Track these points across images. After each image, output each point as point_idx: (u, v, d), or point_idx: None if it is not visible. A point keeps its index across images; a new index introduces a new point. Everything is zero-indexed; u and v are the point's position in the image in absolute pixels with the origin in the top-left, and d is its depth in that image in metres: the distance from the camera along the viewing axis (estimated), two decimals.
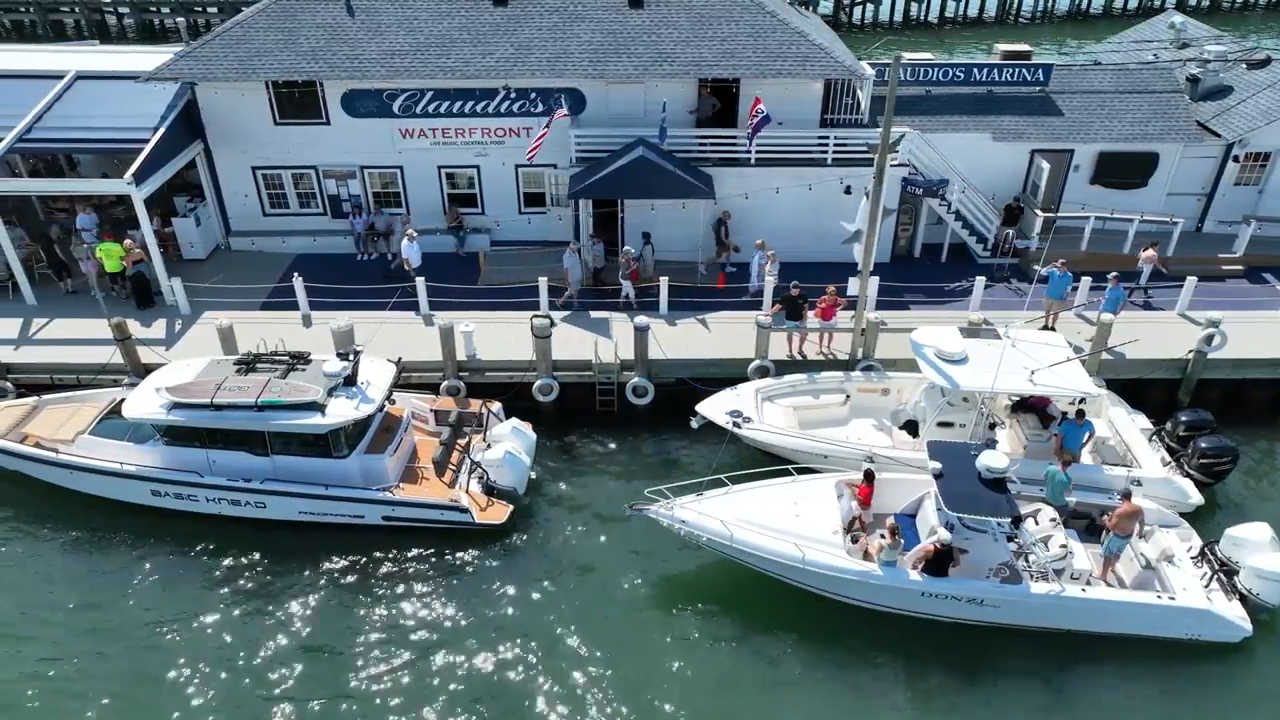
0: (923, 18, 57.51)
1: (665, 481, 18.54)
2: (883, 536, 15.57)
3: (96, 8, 51.93)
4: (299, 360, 17.88)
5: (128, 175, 20.60)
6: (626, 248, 21.90)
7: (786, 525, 15.82)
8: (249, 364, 17.74)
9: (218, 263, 24.22)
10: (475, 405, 19.54)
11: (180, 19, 50.95)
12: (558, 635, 15.75)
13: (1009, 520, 14.84)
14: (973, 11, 58.10)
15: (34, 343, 20.82)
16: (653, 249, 23.16)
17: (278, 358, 17.92)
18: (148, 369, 20.07)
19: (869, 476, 16.58)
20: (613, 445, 20.11)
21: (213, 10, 52.65)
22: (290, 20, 22.93)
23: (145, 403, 17.11)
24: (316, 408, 16.74)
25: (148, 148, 21.29)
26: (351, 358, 17.39)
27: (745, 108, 23.08)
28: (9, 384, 19.96)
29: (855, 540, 15.74)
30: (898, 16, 57.32)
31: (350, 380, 17.35)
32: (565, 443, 20.07)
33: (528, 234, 24.79)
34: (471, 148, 23.69)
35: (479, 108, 23.02)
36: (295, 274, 21.48)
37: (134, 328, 21.25)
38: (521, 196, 24.47)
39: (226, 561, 17.11)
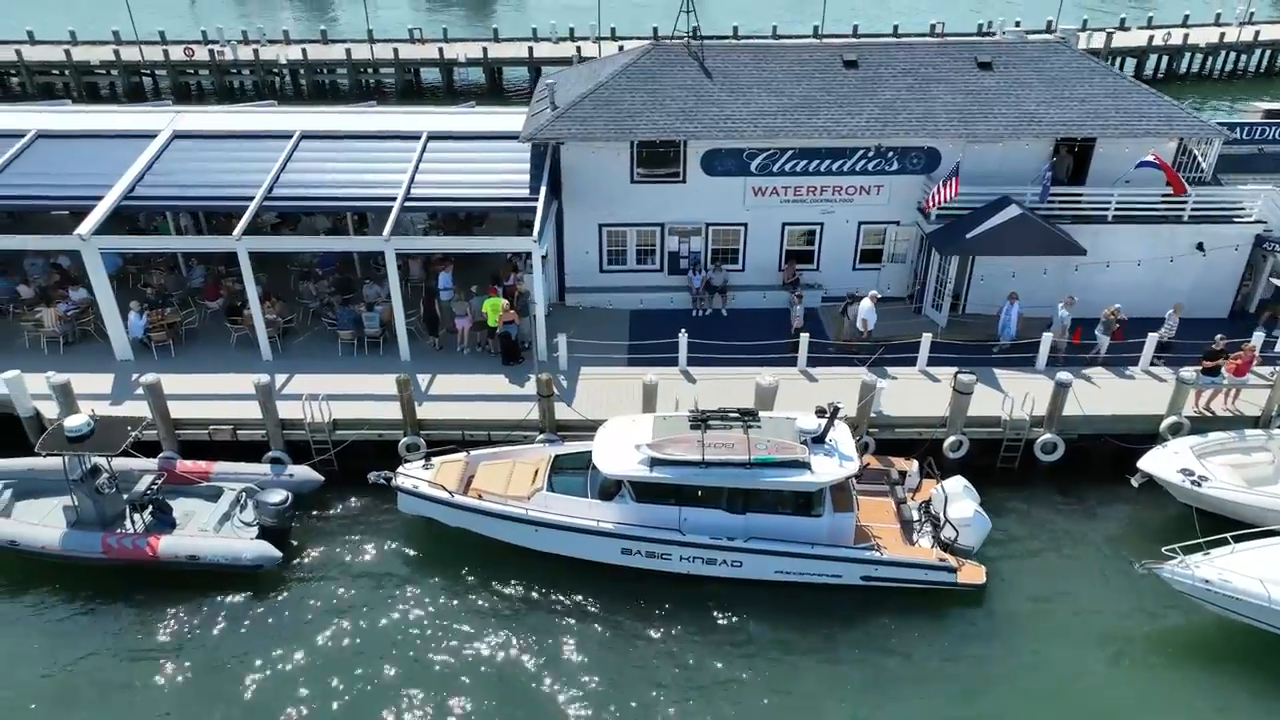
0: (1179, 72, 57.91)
1: (1100, 536, 18.77)
2: None
3: (86, 69, 52.79)
4: (749, 417, 17.83)
5: (535, 233, 20.86)
6: (1115, 305, 21.88)
7: None
8: (702, 421, 17.70)
9: (559, 319, 24.31)
10: (901, 462, 19.40)
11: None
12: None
13: None
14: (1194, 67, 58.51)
15: (430, 399, 20.81)
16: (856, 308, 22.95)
17: (729, 415, 17.90)
18: (559, 426, 20.14)
19: None
20: (1026, 503, 19.82)
21: (204, 73, 53.69)
22: (652, 82, 23.43)
23: (623, 459, 17.00)
24: (804, 465, 16.66)
25: (540, 205, 21.63)
26: (829, 414, 17.32)
27: (1099, 166, 23.40)
28: (422, 440, 19.98)
29: None
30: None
31: (819, 438, 17.31)
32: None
33: (860, 289, 24.82)
34: (819, 205, 23.94)
35: (835, 166, 23.33)
36: (682, 330, 21.54)
37: (504, 384, 21.50)
38: (859, 253, 24.69)
39: (697, 622, 16.88)
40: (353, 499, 19.71)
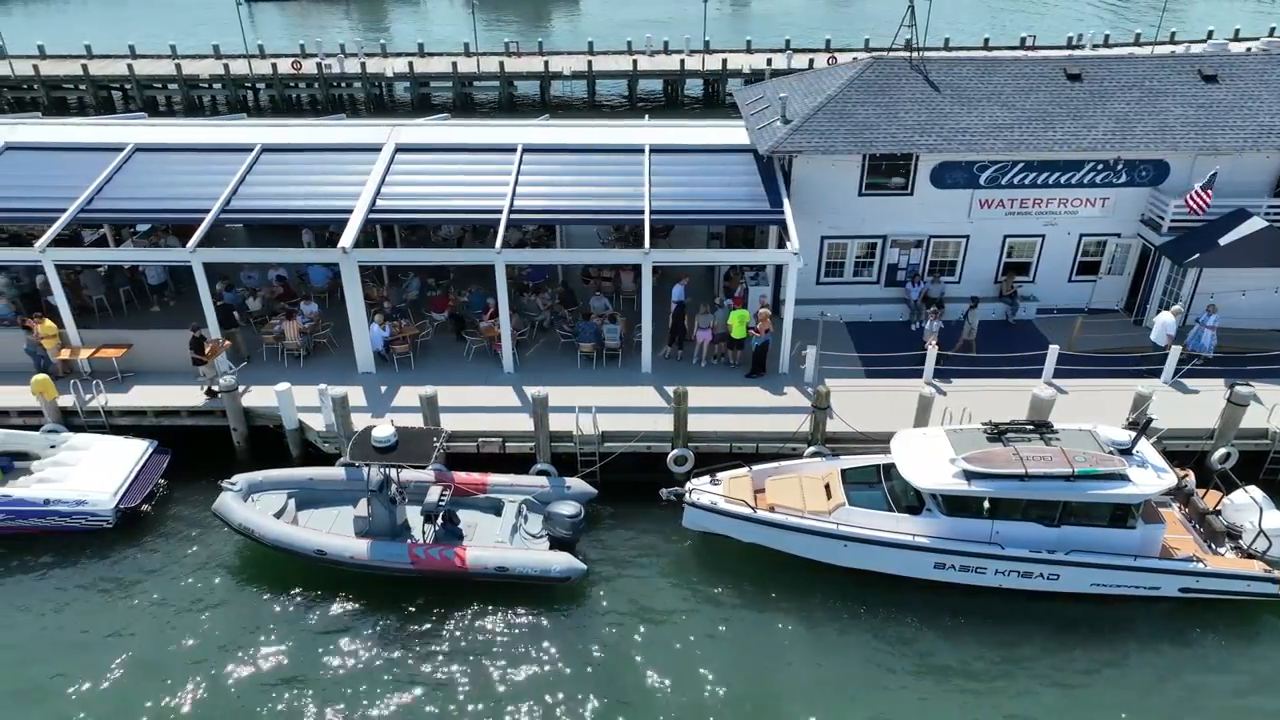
0: None
1: None
2: None
3: (194, 83, 53.24)
4: (1045, 429, 17.82)
5: (793, 246, 20.91)
6: None
7: None
8: (1000, 433, 17.72)
9: (776, 330, 24.34)
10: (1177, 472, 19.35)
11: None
12: None
13: None
14: None
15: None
16: (978, 313, 23.19)
17: (1024, 427, 17.89)
18: (827, 439, 20.12)
19: None
20: None
21: (302, 85, 54.04)
22: (882, 95, 23.53)
23: (937, 473, 16.95)
24: (1124, 477, 16.60)
25: (788, 218, 21.69)
26: (1141, 425, 17.30)
27: None
28: (690, 452, 19.96)
29: None
30: None
31: (1127, 449, 17.27)
32: None
33: (1072, 301, 25.01)
34: (1043, 217, 23.97)
35: (1064, 178, 23.38)
36: (928, 342, 21.58)
37: (748, 395, 21.49)
38: (1076, 265, 24.70)
39: (1023, 637, 16.80)
40: (620, 512, 19.65)
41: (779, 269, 24.52)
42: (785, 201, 22.13)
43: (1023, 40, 58.60)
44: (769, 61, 52.84)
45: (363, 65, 52.30)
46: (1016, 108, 23.26)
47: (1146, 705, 15.61)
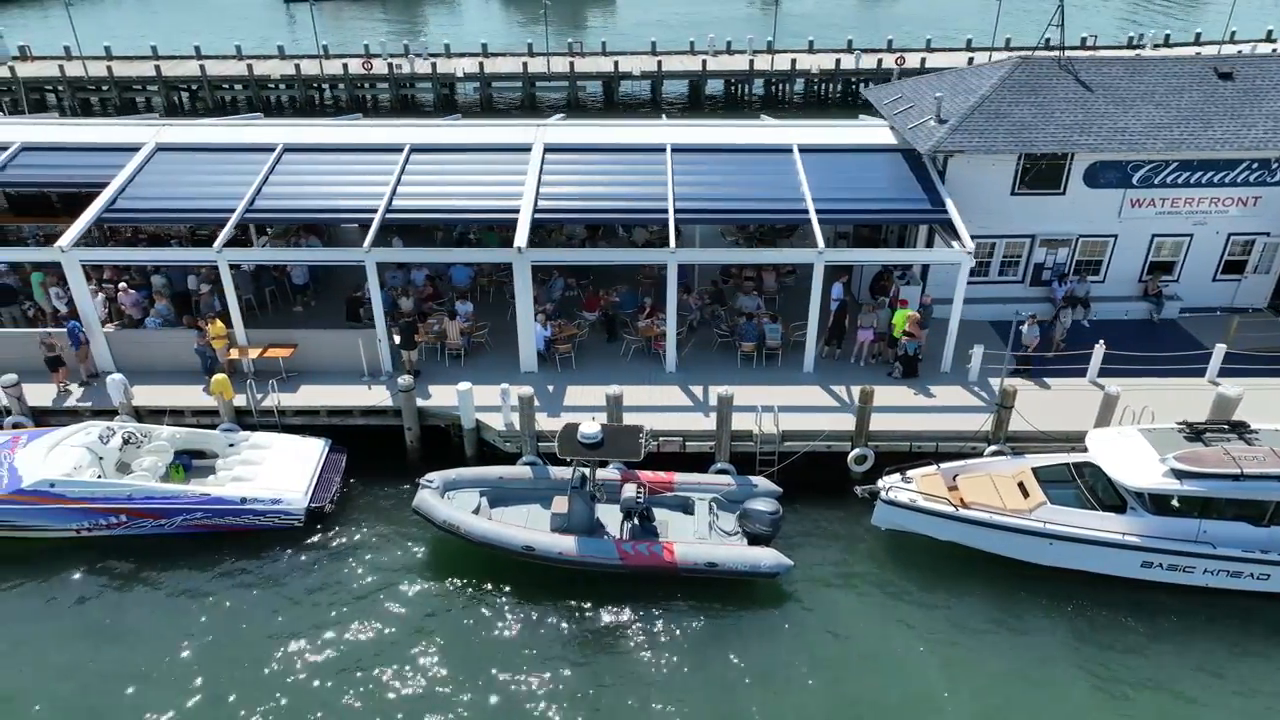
0: None
1: None
2: None
3: (264, 84, 52.94)
4: (1243, 429, 17.86)
5: (968, 244, 20.93)
6: None
7: None
8: (1198, 433, 17.77)
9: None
10: None
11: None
12: None
13: None
14: None
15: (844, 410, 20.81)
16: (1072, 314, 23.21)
17: (1222, 427, 17.92)
18: (1009, 438, 20.14)
19: None
20: None
21: (367, 86, 53.70)
22: (1034, 95, 23.54)
23: (1147, 472, 16.99)
24: None
25: (953, 216, 21.72)
26: None
27: None
28: (870, 452, 20.00)
29: None
30: None
31: None
32: None
33: (1215, 300, 25.05)
34: (1193, 216, 23.98)
35: (1217, 178, 23.39)
36: (1100, 342, 21.58)
37: (910, 395, 21.53)
38: (1222, 264, 24.71)
39: (1233, 639, 16.82)
40: (799, 510, 19.64)
41: (925, 269, 24.58)
42: (947, 200, 22.18)
43: (1083, 40, 58.54)
44: (838, 62, 52.85)
45: (433, 65, 52.32)
46: (1171, 107, 23.27)
47: None
